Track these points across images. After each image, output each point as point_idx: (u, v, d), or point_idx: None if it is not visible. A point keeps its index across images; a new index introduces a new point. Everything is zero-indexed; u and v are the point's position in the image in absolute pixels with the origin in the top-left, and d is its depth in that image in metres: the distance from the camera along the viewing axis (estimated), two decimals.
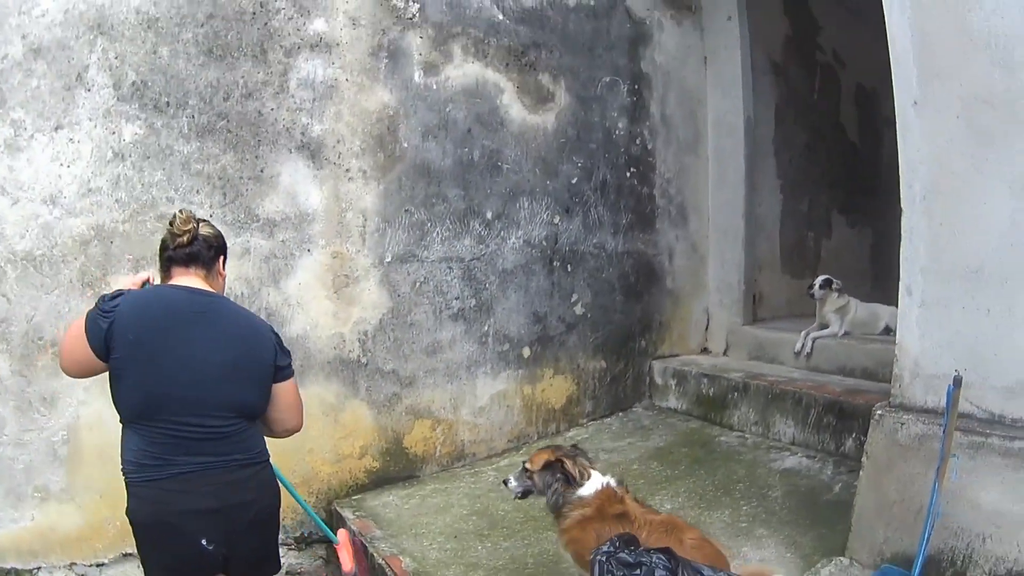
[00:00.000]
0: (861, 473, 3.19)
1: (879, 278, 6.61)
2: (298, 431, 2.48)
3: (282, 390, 2.33)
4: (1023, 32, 2.51)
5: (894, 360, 3.14)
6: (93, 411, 3.22)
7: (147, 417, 2.13)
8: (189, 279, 2.29)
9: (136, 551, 2.23)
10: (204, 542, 2.16)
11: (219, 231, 2.39)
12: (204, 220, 2.37)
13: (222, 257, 2.41)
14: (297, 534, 3.79)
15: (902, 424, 3.02)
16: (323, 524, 3.15)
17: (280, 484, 2.44)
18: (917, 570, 2.77)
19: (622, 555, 2.21)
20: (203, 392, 2.16)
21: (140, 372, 2.13)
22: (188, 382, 2.15)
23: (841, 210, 6.74)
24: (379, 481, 4.02)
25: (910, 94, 2.89)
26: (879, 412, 3.11)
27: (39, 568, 3.25)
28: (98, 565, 3.35)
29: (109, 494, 3.25)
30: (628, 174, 5.04)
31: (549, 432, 4.72)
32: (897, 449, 3.03)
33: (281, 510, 2.44)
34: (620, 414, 5.18)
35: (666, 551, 2.22)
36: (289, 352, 2.34)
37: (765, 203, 5.78)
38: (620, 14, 4.96)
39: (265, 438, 2.36)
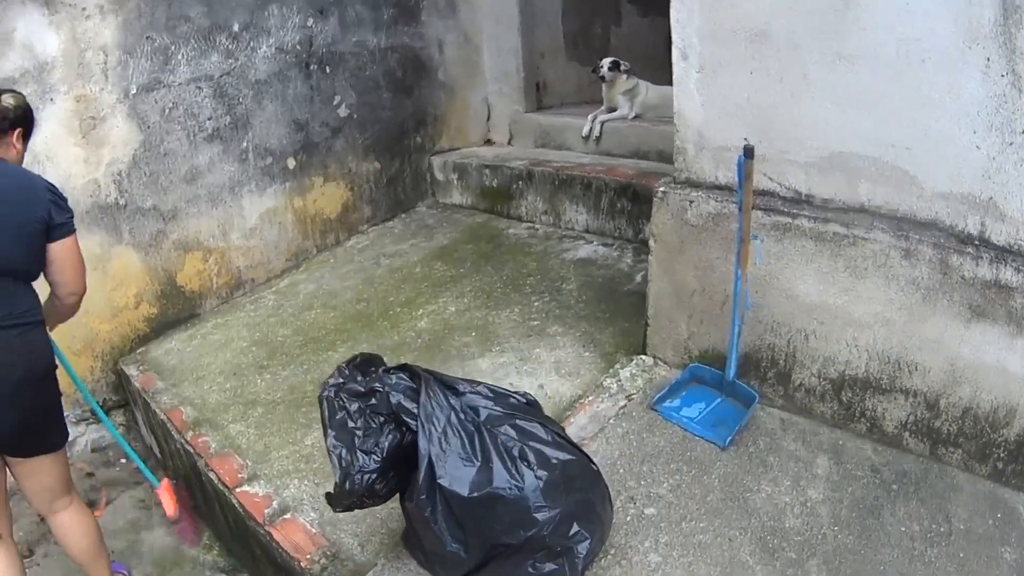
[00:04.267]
0: (650, 258, 3.41)
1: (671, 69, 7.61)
2: (82, 294, 2.89)
3: (59, 249, 2.69)
4: None
5: (674, 131, 3.25)
6: None
7: None
8: None
9: None
10: None
11: (25, 105, 2.85)
12: (12, 91, 2.85)
13: (19, 130, 2.80)
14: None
15: (691, 202, 3.16)
16: (140, 462, 3.65)
17: (55, 352, 2.85)
18: (732, 370, 3.09)
19: (352, 385, 2.37)
20: None
21: None
22: None
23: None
24: (161, 328, 4.82)
25: None
26: (662, 189, 3.24)
27: None
28: None
29: None
30: None
31: (328, 244, 5.74)
32: (689, 230, 3.18)
33: (57, 378, 2.83)
34: (403, 216, 6.21)
35: (406, 368, 2.42)
36: (69, 209, 2.75)
37: None
38: None
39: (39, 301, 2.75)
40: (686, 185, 3.21)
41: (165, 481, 3.63)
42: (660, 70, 6.49)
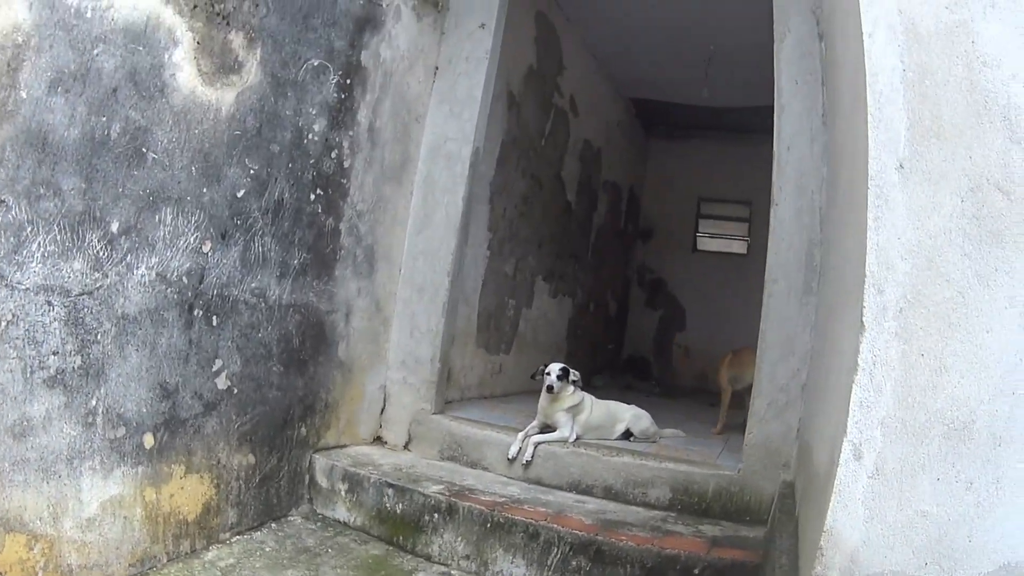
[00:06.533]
0: None
1: (574, 357, 7.23)
2: None
3: None
4: None
5: (816, 553, 2.61)
6: None
7: None
8: None
9: None
10: None
11: None
12: None
13: None
14: None
15: None
16: None
17: None
18: None
19: None
20: None
21: None
22: None
23: (546, 277, 7.46)
24: None
25: (894, 152, 2.50)
26: None
27: None
28: None
29: None
30: (313, 196, 5.07)
31: (182, 552, 4.39)
32: None
33: None
34: (274, 526, 5.08)
35: None
36: None
37: (470, 259, 6.14)
38: None
39: None
40: None
41: None
42: (559, 360, 6.30)
